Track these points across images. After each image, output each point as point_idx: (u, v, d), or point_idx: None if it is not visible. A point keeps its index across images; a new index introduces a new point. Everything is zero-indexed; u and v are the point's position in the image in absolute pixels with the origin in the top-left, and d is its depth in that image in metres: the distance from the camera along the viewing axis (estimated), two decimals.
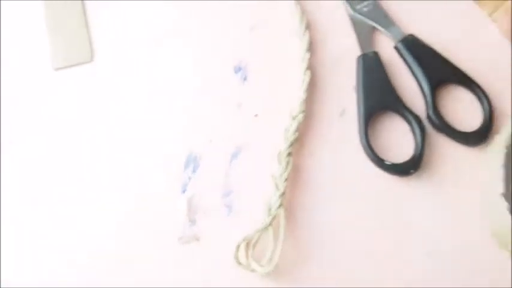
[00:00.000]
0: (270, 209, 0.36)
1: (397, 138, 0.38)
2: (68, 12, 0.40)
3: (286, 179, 0.36)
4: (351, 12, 0.41)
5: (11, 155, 0.38)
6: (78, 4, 0.40)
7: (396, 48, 0.40)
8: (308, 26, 0.40)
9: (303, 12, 0.40)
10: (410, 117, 0.38)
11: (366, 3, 0.41)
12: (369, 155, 0.37)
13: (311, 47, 0.39)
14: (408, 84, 0.39)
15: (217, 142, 0.38)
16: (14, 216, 0.37)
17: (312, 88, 0.39)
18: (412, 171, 0.37)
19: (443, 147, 0.38)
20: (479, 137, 0.38)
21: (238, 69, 0.40)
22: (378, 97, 0.39)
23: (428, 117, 0.38)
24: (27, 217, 0.37)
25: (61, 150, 0.38)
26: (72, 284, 0.36)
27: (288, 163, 0.36)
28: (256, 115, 0.39)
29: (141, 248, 0.36)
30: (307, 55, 0.39)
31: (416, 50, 0.39)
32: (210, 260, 0.36)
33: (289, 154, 0.37)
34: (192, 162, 0.37)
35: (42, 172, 0.38)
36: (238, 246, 0.35)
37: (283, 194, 0.36)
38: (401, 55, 0.40)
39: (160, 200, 0.37)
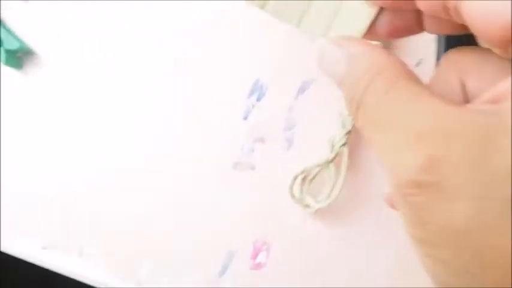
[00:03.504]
0: (333, 146, 0.34)
1: None
2: None
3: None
4: None
5: None
6: None
7: None
8: None
9: None
10: None
11: None
12: None
13: None
14: None
15: (286, 74, 0.36)
16: None
17: None
18: None
19: None
20: None
21: None
22: None
23: None
24: None
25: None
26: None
27: None
28: None
29: (196, 168, 0.35)
30: None
31: None
32: (262, 190, 0.35)
33: None
34: (258, 90, 0.36)
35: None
36: (295, 177, 0.34)
37: (349, 132, 0.34)
38: None
39: (221, 124, 0.35)
